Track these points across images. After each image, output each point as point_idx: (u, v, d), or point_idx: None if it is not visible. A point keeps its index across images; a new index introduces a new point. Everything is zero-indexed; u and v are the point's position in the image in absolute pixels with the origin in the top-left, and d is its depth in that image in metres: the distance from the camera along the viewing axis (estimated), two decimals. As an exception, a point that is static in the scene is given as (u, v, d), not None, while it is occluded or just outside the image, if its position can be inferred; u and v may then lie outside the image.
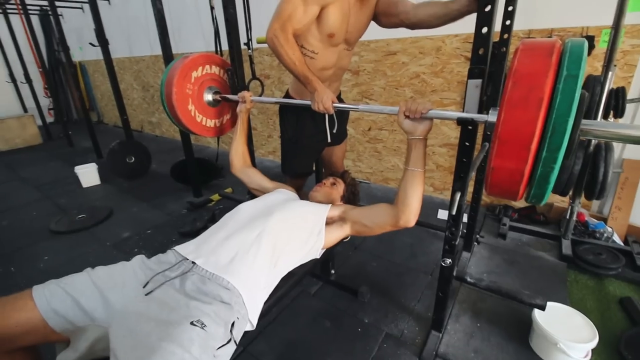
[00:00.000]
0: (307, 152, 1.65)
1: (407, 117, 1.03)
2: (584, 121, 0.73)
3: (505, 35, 1.39)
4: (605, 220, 2.08)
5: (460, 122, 1.03)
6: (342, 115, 1.69)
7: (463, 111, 1.01)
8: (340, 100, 1.68)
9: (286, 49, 1.23)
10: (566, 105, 0.67)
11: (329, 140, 1.59)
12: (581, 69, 0.68)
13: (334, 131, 1.59)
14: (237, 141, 1.52)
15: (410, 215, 1.06)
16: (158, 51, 2.54)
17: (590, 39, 1.81)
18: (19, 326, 0.78)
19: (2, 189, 3.27)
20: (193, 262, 0.94)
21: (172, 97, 1.52)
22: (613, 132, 0.79)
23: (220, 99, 1.68)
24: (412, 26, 1.36)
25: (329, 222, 1.19)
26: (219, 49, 2.25)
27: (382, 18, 1.41)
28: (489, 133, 1.53)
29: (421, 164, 1.04)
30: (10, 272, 1.93)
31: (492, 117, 0.89)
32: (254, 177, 1.48)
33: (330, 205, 1.25)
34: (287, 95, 1.59)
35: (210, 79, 1.67)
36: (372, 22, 1.45)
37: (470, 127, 1.05)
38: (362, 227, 1.17)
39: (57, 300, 0.81)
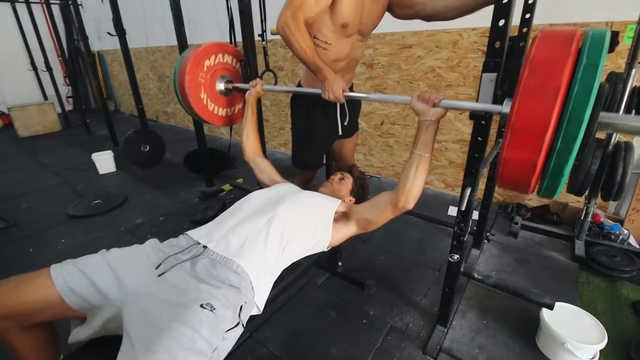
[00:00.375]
0: (317, 143, 1.65)
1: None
2: (602, 113, 0.71)
3: (525, 29, 1.35)
4: (621, 222, 2.02)
5: (473, 115, 1.01)
6: (354, 108, 1.68)
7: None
8: (351, 91, 1.67)
9: (297, 37, 1.22)
10: (584, 95, 0.65)
11: (340, 132, 1.59)
12: (602, 58, 0.65)
13: (345, 123, 1.59)
14: (247, 128, 1.52)
15: (410, 198, 1.05)
16: (174, 42, 2.57)
17: (614, 35, 1.73)
18: (37, 302, 0.81)
19: (23, 173, 3.38)
20: (204, 246, 0.96)
21: (184, 84, 1.54)
22: (634, 125, 0.76)
23: (232, 88, 1.70)
24: (428, 18, 1.34)
25: (337, 219, 1.18)
26: (233, 39, 2.26)
27: (397, 9, 1.39)
28: (503, 129, 1.49)
29: (429, 149, 1.03)
30: (29, 253, 2.01)
31: (506, 108, 0.87)
32: (264, 169, 1.47)
33: (341, 201, 1.26)
34: (299, 86, 1.59)
35: (222, 68, 1.69)
36: (387, 14, 1.43)
37: (483, 122, 1.03)
38: (367, 223, 1.17)
39: (73, 279, 0.84)
